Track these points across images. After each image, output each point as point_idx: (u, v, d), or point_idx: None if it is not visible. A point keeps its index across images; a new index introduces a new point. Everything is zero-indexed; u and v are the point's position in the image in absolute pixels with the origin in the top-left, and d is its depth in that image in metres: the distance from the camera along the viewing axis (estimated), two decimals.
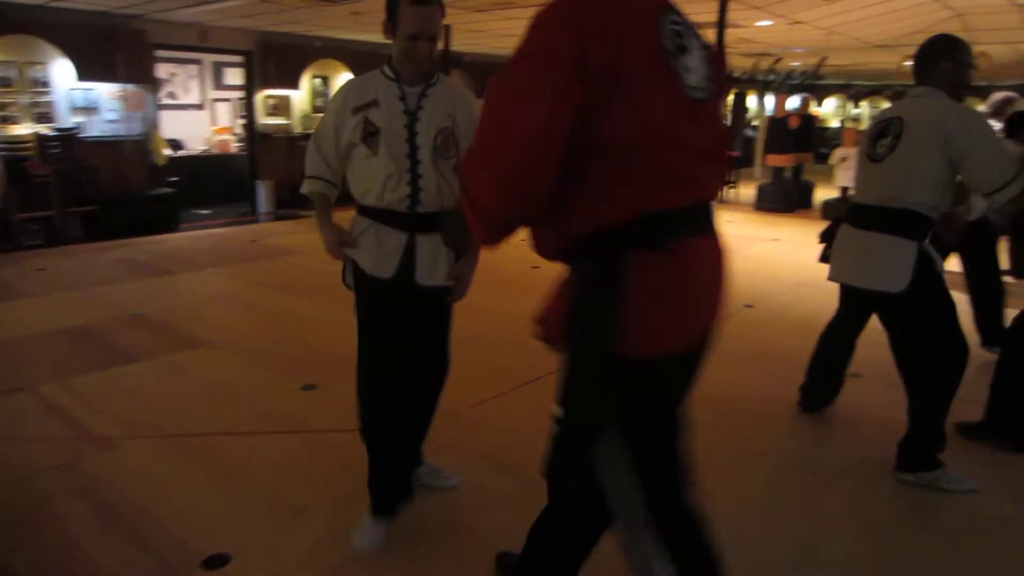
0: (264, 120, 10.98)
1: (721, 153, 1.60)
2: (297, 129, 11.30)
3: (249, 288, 6.34)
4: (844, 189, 10.60)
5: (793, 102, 13.72)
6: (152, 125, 9.61)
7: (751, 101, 19.48)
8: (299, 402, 3.91)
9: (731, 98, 18.26)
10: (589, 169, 1.45)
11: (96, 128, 9.02)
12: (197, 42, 9.95)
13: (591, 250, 1.49)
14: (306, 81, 11.45)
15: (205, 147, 12.06)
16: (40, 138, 8.43)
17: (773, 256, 7.99)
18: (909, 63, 9.92)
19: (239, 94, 11.80)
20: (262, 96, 10.89)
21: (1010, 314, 3.89)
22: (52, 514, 2.79)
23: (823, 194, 11.55)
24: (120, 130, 9.23)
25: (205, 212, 10.71)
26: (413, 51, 2.29)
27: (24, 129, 8.44)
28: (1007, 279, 4.63)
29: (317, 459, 3.28)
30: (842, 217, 3.32)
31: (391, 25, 2.29)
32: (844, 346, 3.64)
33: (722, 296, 1.61)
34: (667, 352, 1.53)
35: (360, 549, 2.56)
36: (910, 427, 3.07)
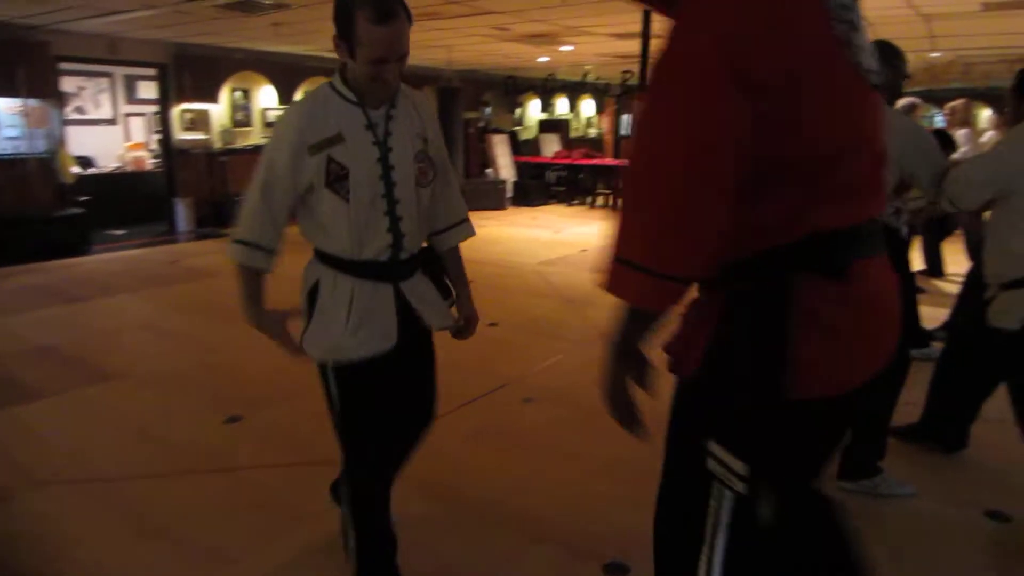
0: (181, 135, 10.54)
1: (886, 155, 1.35)
2: (217, 144, 10.89)
3: (168, 313, 6.01)
4: None
5: None
6: (58, 142, 9.09)
7: None
8: (222, 437, 3.67)
9: None
10: (766, 188, 1.24)
11: None
12: (106, 54, 9.47)
13: (748, 273, 1.29)
14: (225, 94, 11.05)
15: (118, 164, 11.51)
16: None
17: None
18: None
19: (154, 108, 11.32)
20: (178, 110, 10.46)
21: (925, 312, 3.98)
22: None
23: None
24: (22, 148, 8.70)
25: (120, 233, 10.19)
26: (379, 76, 1.86)
27: None
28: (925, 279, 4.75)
29: (242, 500, 3.06)
30: None
31: (346, 46, 1.84)
32: None
33: (897, 326, 1.39)
34: (840, 392, 1.31)
35: None
36: (854, 437, 3.05)
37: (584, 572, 2.56)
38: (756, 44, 1.14)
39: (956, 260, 6.49)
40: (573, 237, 9.75)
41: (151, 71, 10.45)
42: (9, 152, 8.59)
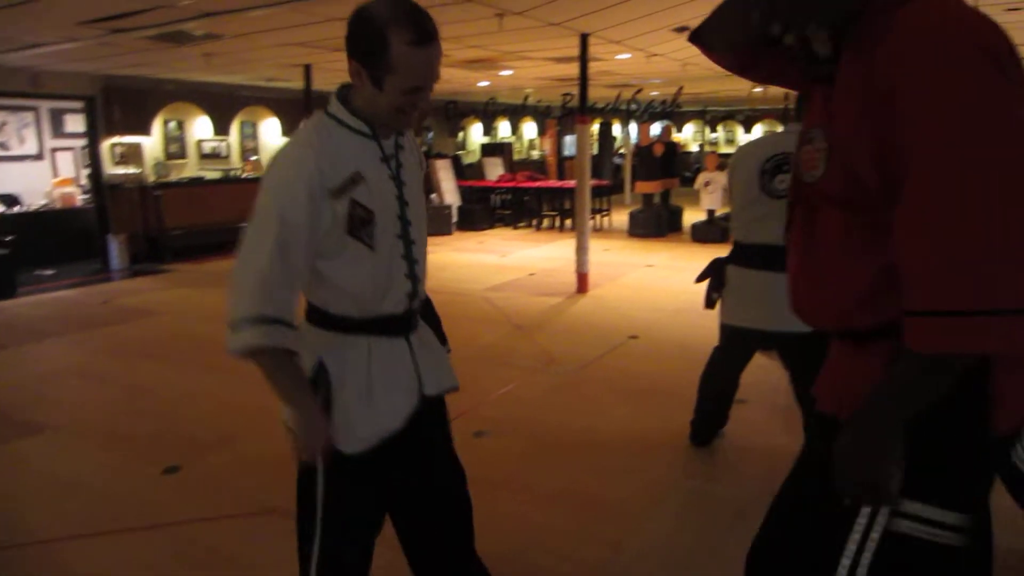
0: (112, 170, 10.21)
1: None
2: (151, 178, 10.58)
3: (99, 358, 5.74)
4: (711, 212, 10.98)
5: (655, 130, 14.22)
6: None
7: (616, 131, 20.10)
8: (160, 489, 3.47)
9: (596, 128, 18.79)
10: None
11: None
12: (28, 88, 9.14)
13: None
14: (158, 126, 10.76)
15: (46, 201, 11.08)
16: None
17: (650, 283, 8.10)
18: (759, 90, 10.45)
19: (83, 142, 10.95)
20: (108, 144, 10.13)
21: None
22: None
23: (692, 217, 11.92)
24: None
25: (48, 273, 9.78)
26: (411, 107, 1.57)
27: None
28: None
29: (183, 556, 2.88)
30: (726, 259, 3.29)
31: (375, 74, 1.52)
32: (730, 380, 3.63)
33: None
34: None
35: None
36: None
37: None
38: (1010, 60, 1.09)
39: None
40: (520, 261, 9.72)
41: (78, 104, 10.12)
42: None
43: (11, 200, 10.62)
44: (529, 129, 19.48)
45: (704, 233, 10.77)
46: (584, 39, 7.26)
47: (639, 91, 13.32)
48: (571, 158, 13.72)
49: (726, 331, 3.45)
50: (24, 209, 10.71)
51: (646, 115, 15.03)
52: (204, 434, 4.09)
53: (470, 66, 9.50)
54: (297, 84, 9.76)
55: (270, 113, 12.41)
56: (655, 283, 8.04)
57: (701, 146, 23.48)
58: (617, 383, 4.76)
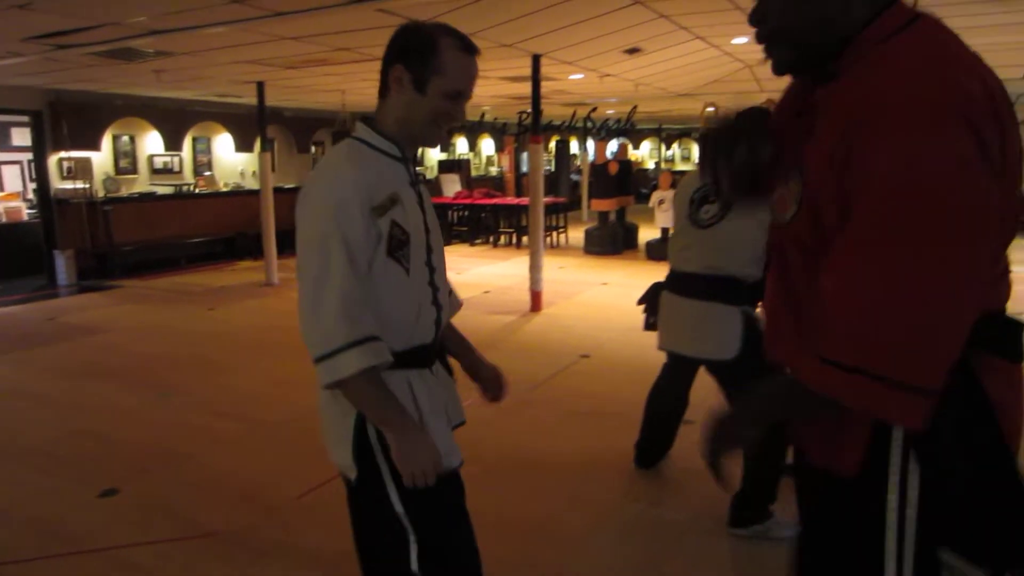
0: (60, 184, 10.03)
1: None
2: (100, 193, 10.40)
3: (41, 378, 5.62)
4: (665, 230, 11.13)
5: (612, 147, 14.39)
6: None
7: (574, 147, 20.30)
8: (95, 513, 3.42)
9: (553, 145, 18.96)
10: None
11: None
12: None
13: None
14: (108, 141, 10.60)
15: None
16: None
17: (604, 301, 8.18)
18: (711, 108, 10.64)
19: (30, 155, 10.74)
20: (56, 158, 9.95)
21: None
22: None
23: (647, 235, 12.07)
24: None
25: None
26: (450, 114, 1.61)
27: None
28: None
29: None
30: (662, 284, 3.36)
31: (419, 77, 1.57)
32: (676, 402, 3.66)
33: None
34: None
35: None
36: (744, 484, 3.09)
37: None
38: (985, 115, 1.08)
39: None
40: (476, 278, 9.74)
41: (24, 118, 9.93)
42: None
43: None
44: (487, 146, 19.58)
45: (659, 251, 10.92)
46: (536, 60, 7.35)
47: (594, 109, 13.49)
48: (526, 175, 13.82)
49: (668, 353, 3.52)
50: None
51: (603, 133, 15.22)
52: (144, 456, 4.03)
53: None
54: (250, 100, 9.70)
55: (223, 129, 12.30)
56: (609, 301, 8.11)
57: (657, 163, 23.82)
58: (566, 404, 4.80)
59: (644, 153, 24.55)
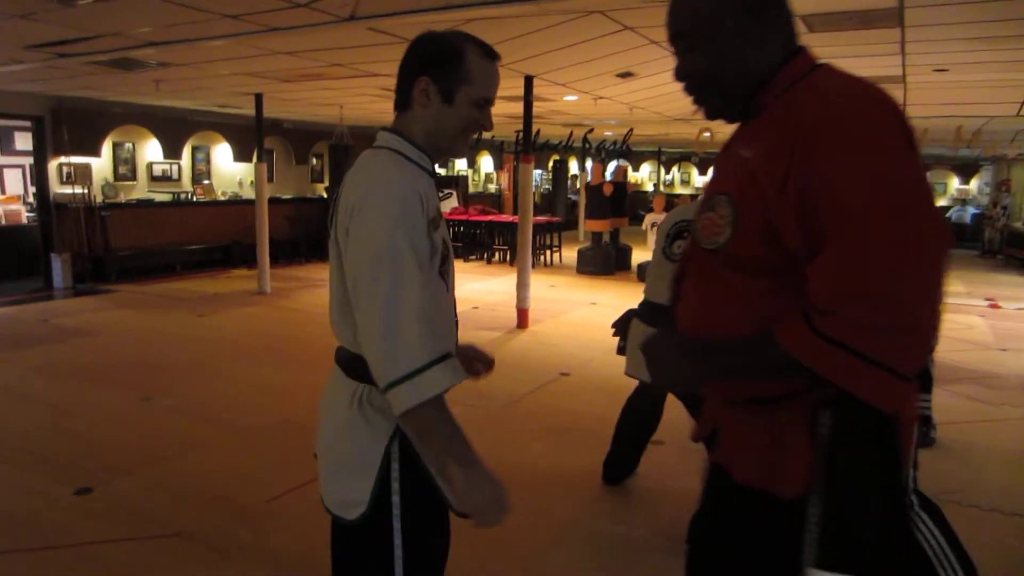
0: (59, 189, 10.16)
1: None
2: (98, 198, 10.54)
3: (28, 377, 5.71)
4: None
5: (611, 169, 14.54)
6: None
7: (574, 168, 20.45)
8: (69, 510, 3.49)
9: (552, 164, 19.10)
10: None
11: None
12: None
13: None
14: (108, 148, 10.75)
15: None
16: None
17: (590, 320, 8.26)
18: (708, 134, 10.75)
19: (31, 160, 10.88)
20: (56, 163, 10.10)
21: None
22: None
23: (640, 256, 12.17)
24: None
25: None
26: (478, 122, 1.58)
27: None
28: None
29: None
30: (634, 311, 3.46)
31: (447, 88, 1.53)
32: (646, 421, 3.75)
33: None
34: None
35: None
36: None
37: None
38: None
39: None
40: (466, 294, 9.82)
41: (27, 123, 10.09)
42: None
43: None
44: (486, 163, 19.75)
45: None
46: (529, 81, 7.49)
47: (591, 130, 13.64)
48: None
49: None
50: None
51: (602, 154, 15.37)
52: (121, 458, 4.11)
53: None
54: (249, 111, 9.84)
55: (222, 138, 12.46)
56: (595, 321, 8.18)
57: (656, 186, 24.00)
58: (541, 420, 4.88)
59: (644, 175, 24.74)
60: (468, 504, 1.41)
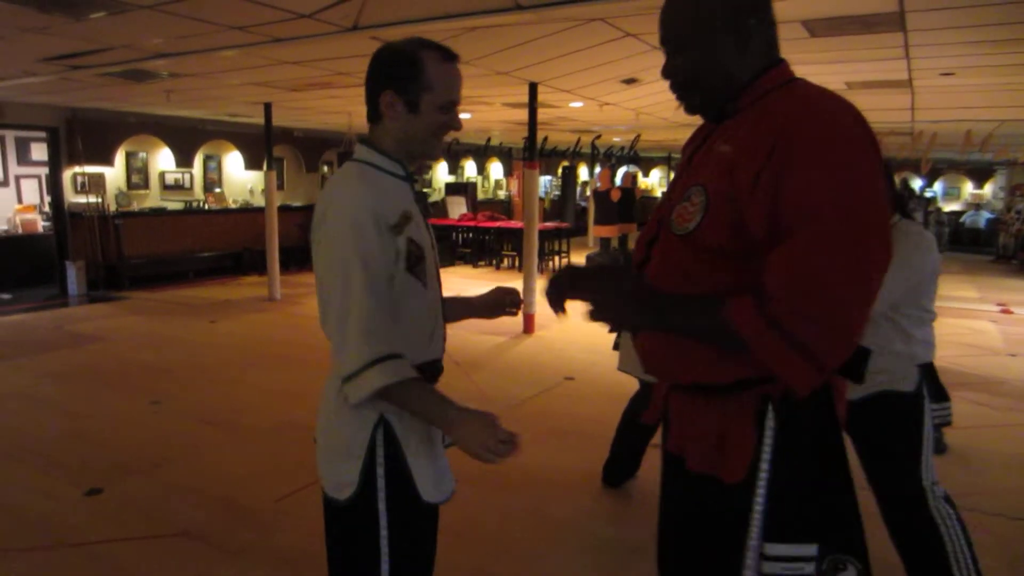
0: (74, 198, 10.32)
1: None
2: (112, 207, 10.69)
3: (42, 382, 5.82)
4: None
5: (620, 174, 14.57)
6: None
7: (584, 174, 20.47)
8: (79, 511, 3.58)
9: (561, 170, 19.15)
10: None
11: None
12: None
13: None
14: (121, 157, 10.91)
15: (6, 227, 11.13)
16: None
17: (597, 326, 8.25)
18: None
19: (47, 170, 11.05)
20: (70, 173, 10.26)
21: None
22: None
23: None
24: None
25: (6, 297, 9.82)
26: (447, 125, 1.65)
27: None
28: None
29: (89, 575, 2.99)
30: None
31: (410, 98, 1.60)
32: (647, 424, 3.77)
33: None
34: None
35: None
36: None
37: None
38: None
39: None
40: None
41: (42, 133, 10.26)
42: None
43: None
44: (496, 169, 19.82)
45: None
46: (533, 88, 7.56)
47: (598, 136, 13.68)
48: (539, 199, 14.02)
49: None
50: None
51: (611, 159, 15.41)
52: (132, 459, 4.19)
53: None
54: (260, 120, 9.97)
55: (233, 147, 12.60)
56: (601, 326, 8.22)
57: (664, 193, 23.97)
58: (544, 423, 4.92)
59: (654, 181, 24.75)
60: (464, 449, 1.53)
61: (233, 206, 12.51)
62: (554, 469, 4.11)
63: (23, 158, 11.87)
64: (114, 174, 10.86)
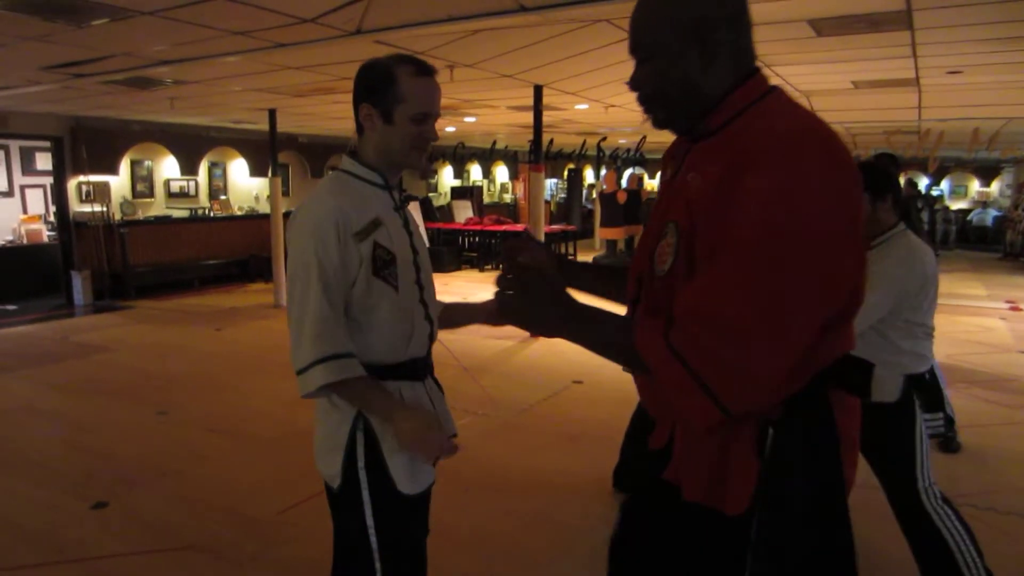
0: (78, 207, 10.32)
1: None
2: (117, 215, 10.68)
3: (47, 394, 5.79)
4: None
5: (626, 176, 14.52)
6: None
7: (590, 177, 20.43)
8: (86, 524, 3.54)
9: (566, 172, 19.11)
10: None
11: None
12: None
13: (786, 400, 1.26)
14: (125, 165, 10.91)
15: (11, 237, 11.13)
16: None
17: None
18: None
19: (52, 179, 11.05)
20: (75, 182, 10.26)
21: None
22: None
23: None
24: None
25: (11, 308, 9.81)
26: (422, 136, 1.74)
27: None
28: None
29: None
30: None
31: (385, 109, 1.70)
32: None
33: None
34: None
35: None
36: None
37: None
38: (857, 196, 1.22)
39: None
40: None
41: (47, 143, 10.26)
42: None
43: None
44: (501, 173, 19.80)
45: None
46: (538, 90, 7.52)
47: (604, 139, 13.64)
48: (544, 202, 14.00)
49: None
50: None
51: (617, 162, 15.36)
52: (137, 471, 4.16)
53: None
54: (264, 126, 9.96)
55: (238, 154, 12.59)
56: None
57: None
58: (552, 428, 4.87)
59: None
60: (402, 445, 1.67)
61: (238, 213, 12.50)
62: (563, 474, 4.07)
63: (28, 168, 11.87)
64: (119, 183, 10.86)
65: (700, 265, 1.22)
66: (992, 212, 18.99)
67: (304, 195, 11.60)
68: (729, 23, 1.28)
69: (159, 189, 11.53)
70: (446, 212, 15.42)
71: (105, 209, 10.48)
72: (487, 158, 17.46)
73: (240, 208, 12.65)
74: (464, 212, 14.91)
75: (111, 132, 10.52)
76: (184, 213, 11.75)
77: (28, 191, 11.94)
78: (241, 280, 12.04)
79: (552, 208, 18.90)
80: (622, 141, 14.94)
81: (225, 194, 12.51)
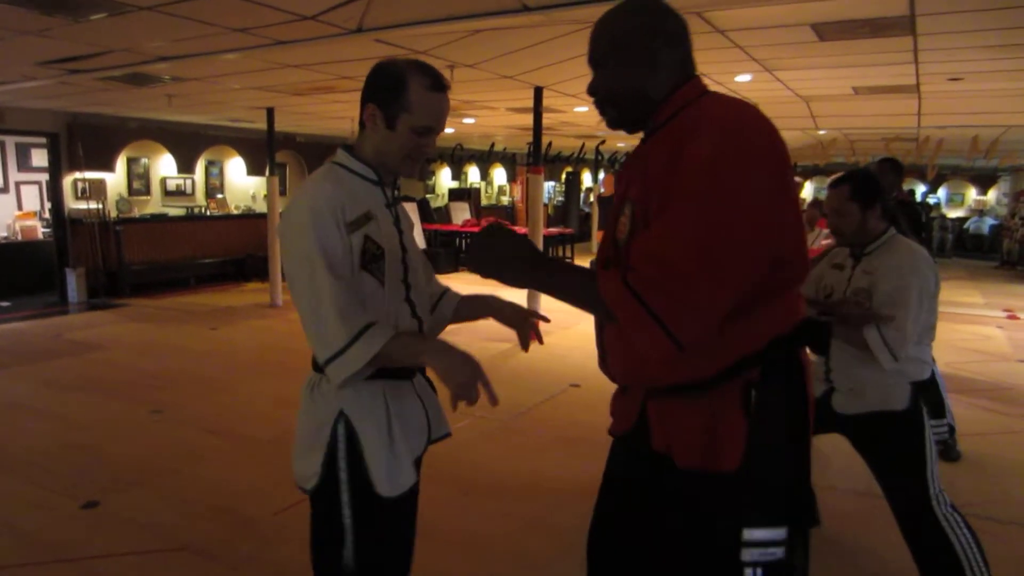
0: (74, 204, 10.25)
1: None
2: (113, 213, 10.62)
3: (40, 391, 5.73)
4: None
5: None
6: None
7: (588, 180, 20.43)
8: (75, 524, 3.49)
9: (564, 175, 19.09)
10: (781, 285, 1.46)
11: None
12: None
13: (759, 361, 1.43)
14: (122, 163, 10.85)
15: (6, 234, 11.06)
16: None
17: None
18: None
19: (47, 176, 10.99)
20: (71, 179, 10.20)
21: None
22: None
23: None
24: None
25: (5, 304, 9.75)
26: (419, 148, 1.74)
27: None
28: None
29: None
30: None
31: (389, 114, 1.69)
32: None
33: None
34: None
35: None
36: None
37: None
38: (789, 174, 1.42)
39: None
40: None
41: (42, 139, 10.20)
42: None
43: None
44: (499, 175, 19.78)
45: None
46: (539, 92, 7.49)
47: (602, 142, 13.63)
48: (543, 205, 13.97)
49: None
50: None
51: (615, 165, 15.35)
52: (129, 471, 4.11)
53: None
54: (262, 125, 9.91)
55: (235, 153, 12.54)
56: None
57: None
58: (550, 431, 4.84)
59: None
60: (444, 380, 1.59)
61: (235, 212, 12.44)
62: (561, 477, 4.03)
63: (23, 164, 11.81)
64: (115, 180, 10.80)
65: (652, 221, 1.39)
66: (989, 220, 19.03)
67: None
68: (668, 39, 1.50)
69: (155, 187, 11.47)
70: (443, 214, 15.39)
71: (101, 206, 10.42)
72: (485, 160, 17.43)
73: (237, 207, 12.60)
74: (462, 214, 14.88)
75: (108, 129, 10.47)
76: (180, 211, 11.70)
77: (23, 187, 11.87)
78: (237, 279, 11.98)
79: (550, 211, 18.88)
80: (620, 144, 14.93)
81: (222, 193, 12.46)
